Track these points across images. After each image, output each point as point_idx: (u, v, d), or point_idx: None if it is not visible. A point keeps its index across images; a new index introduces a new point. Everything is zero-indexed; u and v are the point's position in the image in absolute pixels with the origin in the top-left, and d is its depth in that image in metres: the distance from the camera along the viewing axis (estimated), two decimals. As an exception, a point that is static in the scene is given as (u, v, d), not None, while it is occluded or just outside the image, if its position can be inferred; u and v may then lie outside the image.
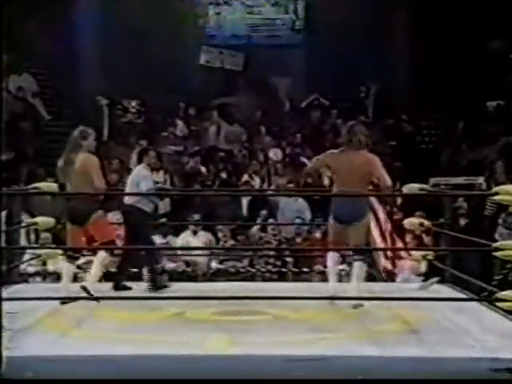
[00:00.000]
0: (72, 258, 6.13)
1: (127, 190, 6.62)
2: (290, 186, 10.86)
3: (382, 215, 6.16)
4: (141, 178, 6.49)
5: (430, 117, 13.27)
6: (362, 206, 5.75)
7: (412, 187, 6.46)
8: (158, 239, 9.55)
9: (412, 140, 12.70)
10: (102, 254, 6.02)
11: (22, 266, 6.74)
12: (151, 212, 6.59)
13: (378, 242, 6.10)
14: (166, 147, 12.37)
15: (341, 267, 8.68)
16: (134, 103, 13.29)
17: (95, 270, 6.03)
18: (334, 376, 4.06)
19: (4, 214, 8.90)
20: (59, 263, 7.82)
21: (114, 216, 7.87)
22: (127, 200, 6.52)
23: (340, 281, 6.16)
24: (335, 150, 5.89)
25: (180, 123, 12.93)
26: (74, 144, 5.91)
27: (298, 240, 9.70)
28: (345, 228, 5.77)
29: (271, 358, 4.22)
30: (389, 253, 6.29)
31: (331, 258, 5.94)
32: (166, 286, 6.48)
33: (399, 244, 6.35)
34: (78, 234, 6.01)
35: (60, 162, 5.96)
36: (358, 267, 5.74)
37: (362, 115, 12.85)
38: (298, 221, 10.14)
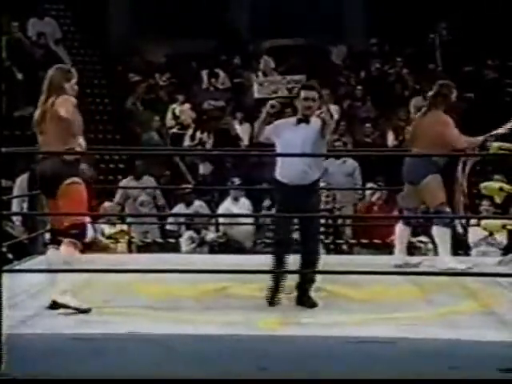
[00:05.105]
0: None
1: None
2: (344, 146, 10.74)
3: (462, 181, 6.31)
4: None
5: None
6: (421, 165, 6.11)
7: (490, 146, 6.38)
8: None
9: (496, 90, 12.28)
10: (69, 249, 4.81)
11: (47, 236, 6.82)
12: None
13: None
14: (205, 102, 12.35)
15: (420, 238, 8.62)
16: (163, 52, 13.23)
17: None
18: (399, 361, 4.08)
19: (26, 177, 9.02)
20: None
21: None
22: None
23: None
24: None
25: (222, 74, 12.88)
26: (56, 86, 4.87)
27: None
28: (415, 189, 6.22)
29: (328, 340, 4.24)
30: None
31: (399, 226, 6.37)
32: None
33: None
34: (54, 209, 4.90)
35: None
36: (437, 232, 6.12)
37: (431, 63, 12.61)
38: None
